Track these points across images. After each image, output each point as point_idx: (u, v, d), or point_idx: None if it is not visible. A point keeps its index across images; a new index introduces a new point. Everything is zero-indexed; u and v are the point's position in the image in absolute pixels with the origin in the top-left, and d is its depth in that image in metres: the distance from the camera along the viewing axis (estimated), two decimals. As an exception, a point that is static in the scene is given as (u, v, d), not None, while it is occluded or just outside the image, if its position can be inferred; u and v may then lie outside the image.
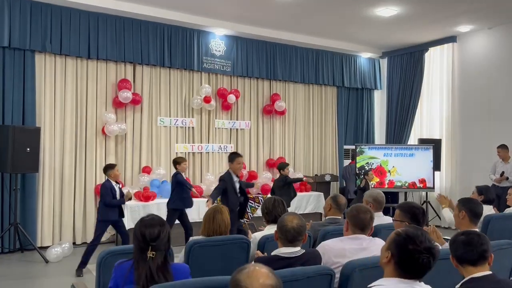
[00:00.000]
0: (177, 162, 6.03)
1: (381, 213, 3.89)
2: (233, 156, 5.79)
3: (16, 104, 6.35)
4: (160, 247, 2.17)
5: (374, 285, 1.76)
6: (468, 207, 3.06)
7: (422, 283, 1.78)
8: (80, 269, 5.23)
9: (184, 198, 5.92)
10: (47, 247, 6.19)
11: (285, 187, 6.76)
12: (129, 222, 6.40)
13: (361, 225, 2.82)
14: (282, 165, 7.01)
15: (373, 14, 7.27)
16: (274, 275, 1.41)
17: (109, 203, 5.25)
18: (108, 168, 5.46)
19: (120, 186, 5.62)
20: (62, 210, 6.72)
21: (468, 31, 8.28)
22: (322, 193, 8.38)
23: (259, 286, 1.34)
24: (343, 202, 3.73)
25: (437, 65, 9.02)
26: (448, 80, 8.76)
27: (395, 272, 1.74)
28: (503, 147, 7.02)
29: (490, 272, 2.09)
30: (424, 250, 1.70)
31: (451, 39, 8.60)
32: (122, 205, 5.59)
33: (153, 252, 2.14)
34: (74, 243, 6.66)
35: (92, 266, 5.41)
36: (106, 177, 5.43)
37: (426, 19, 7.57)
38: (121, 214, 5.47)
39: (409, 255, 1.71)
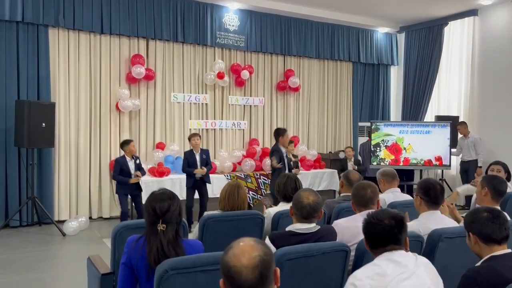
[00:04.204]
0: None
1: (397, 189, 3.82)
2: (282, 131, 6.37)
3: (31, 79, 6.38)
4: (170, 220, 2.16)
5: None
6: (492, 185, 2.98)
7: (408, 253, 1.90)
8: None
9: None
10: (64, 221, 6.32)
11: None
12: (144, 197, 6.46)
13: (363, 202, 2.80)
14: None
15: (392, -14, 7.05)
16: (260, 243, 1.39)
17: (114, 178, 5.85)
18: (123, 144, 5.82)
19: (138, 162, 5.89)
20: (78, 185, 6.82)
21: (490, 4, 7.97)
22: (335, 170, 8.32)
23: (246, 261, 1.32)
24: (355, 178, 3.66)
25: (457, 40, 8.76)
26: (468, 55, 8.51)
27: (373, 253, 1.94)
28: (462, 124, 7.88)
29: (510, 250, 2.04)
30: (379, 220, 1.91)
31: (472, 12, 8.30)
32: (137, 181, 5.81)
33: (164, 225, 2.14)
34: (90, 217, 6.77)
35: (107, 239, 5.52)
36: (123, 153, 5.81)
37: (447, -8, 7.30)
38: (138, 189, 5.81)
39: (368, 229, 1.95)
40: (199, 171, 6.03)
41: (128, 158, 5.76)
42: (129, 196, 5.89)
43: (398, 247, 1.88)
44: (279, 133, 6.39)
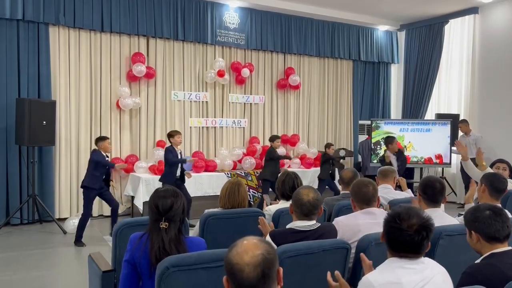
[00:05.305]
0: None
1: (388, 186, 3.86)
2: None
3: (32, 77, 6.38)
4: (173, 218, 2.16)
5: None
6: (490, 181, 2.99)
7: (425, 258, 1.78)
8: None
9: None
10: (65, 218, 6.33)
11: (272, 161, 6.84)
12: (144, 195, 6.48)
13: (366, 199, 2.80)
14: (272, 137, 7.07)
15: (392, -16, 7.04)
16: (264, 242, 1.39)
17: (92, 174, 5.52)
18: (98, 140, 5.59)
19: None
20: (78, 183, 6.79)
21: (491, 2, 7.97)
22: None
23: (249, 259, 1.33)
24: (346, 177, 3.78)
25: (457, 38, 8.75)
26: (468, 53, 8.50)
27: (390, 252, 1.80)
28: (463, 122, 7.82)
29: (511, 247, 2.04)
30: (408, 228, 1.72)
31: (473, 10, 8.30)
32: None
33: (166, 223, 2.14)
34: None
35: (108, 237, 5.54)
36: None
37: (447, -11, 7.30)
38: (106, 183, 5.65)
39: (392, 234, 1.76)
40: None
41: (103, 155, 5.52)
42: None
43: (420, 255, 1.77)
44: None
